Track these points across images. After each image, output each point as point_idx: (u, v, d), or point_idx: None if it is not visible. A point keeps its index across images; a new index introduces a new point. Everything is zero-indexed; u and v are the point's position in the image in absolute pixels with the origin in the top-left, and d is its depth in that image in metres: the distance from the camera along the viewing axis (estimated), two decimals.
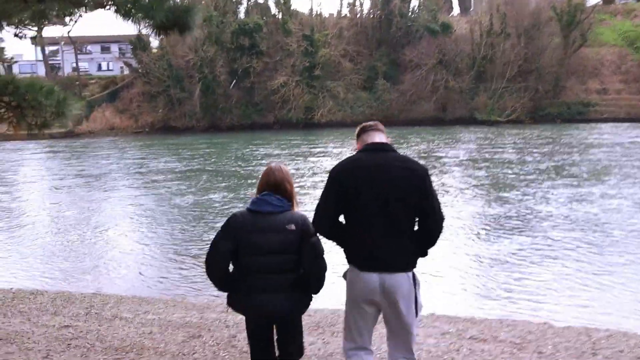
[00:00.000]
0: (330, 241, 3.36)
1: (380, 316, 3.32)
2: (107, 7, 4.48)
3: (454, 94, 51.99)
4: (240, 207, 14.44)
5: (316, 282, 3.40)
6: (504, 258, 9.58)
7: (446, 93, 51.83)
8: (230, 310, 3.54)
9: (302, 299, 3.42)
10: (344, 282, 3.40)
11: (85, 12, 4.72)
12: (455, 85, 51.84)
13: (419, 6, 57.46)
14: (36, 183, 21.85)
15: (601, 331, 5.92)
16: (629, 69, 55.34)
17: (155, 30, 4.61)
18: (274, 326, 3.47)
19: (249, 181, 19.47)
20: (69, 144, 40.63)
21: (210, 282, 3.47)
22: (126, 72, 59.72)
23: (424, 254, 3.23)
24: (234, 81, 53.42)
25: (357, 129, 3.43)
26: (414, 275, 3.17)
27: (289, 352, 3.47)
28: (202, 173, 22.51)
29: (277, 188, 3.38)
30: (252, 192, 3.57)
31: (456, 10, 73.78)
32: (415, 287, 3.14)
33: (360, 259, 3.16)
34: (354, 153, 3.29)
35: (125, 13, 4.34)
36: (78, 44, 60.02)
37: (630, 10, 64.21)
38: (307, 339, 4.35)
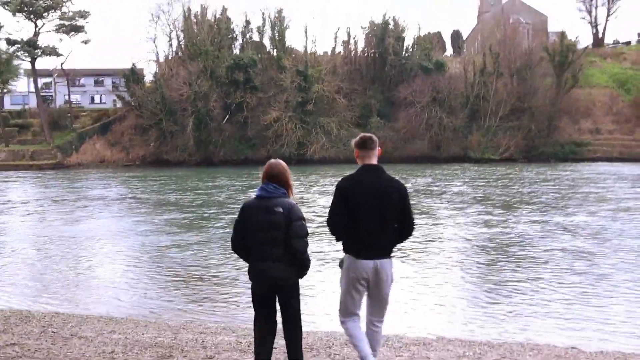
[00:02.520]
0: (336, 236, 4.20)
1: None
2: None
3: (447, 132, 51.76)
4: (142, 230, 14.87)
5: (299, 257, 4.10)
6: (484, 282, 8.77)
7: (440, 131, 51.60)
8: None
9: (294, 269, 4.11)
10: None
11: None
12: (449, 123, 51.68)
13: (412, 45, 57.95)
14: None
15: None
16: (620, 110, 55.76)
17: None
18: (277, 296, 4.15)
19: (165, 207, 20.14)
20: (32, 175, 39.88)
21: (238, 256, 4.36)
22: (119, 105, 59.27)
23: (401, 242, 4.29)
24: (227, 116, 53.02)
25: (358, 138, 4.24)
26: (391, 259, 4.20)
27: (290, 317, 4.13)
28: (129, 200, 23.09)
29: (275, 178, 4.16)
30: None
31: (449, 50, 74.76)
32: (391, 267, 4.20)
33: (359, 250, 4.08)
34: (355, 171, 4.19)
35: None
36: (71, 77, 59.76)
37: (619, 54, 65.36)
38: None
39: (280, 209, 4.02)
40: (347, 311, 4.18)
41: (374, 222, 4.02)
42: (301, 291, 4.28)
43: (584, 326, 6.65)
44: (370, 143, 4.15)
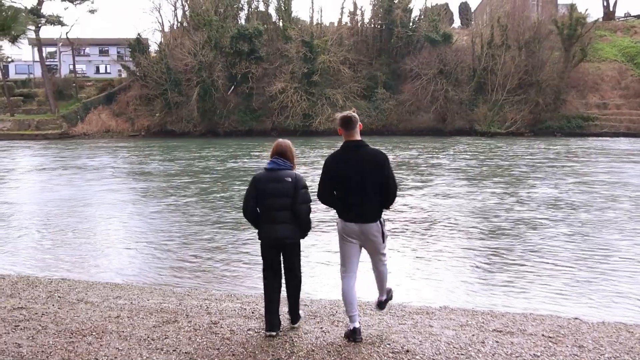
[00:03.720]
0: (327, 206, 4.87)
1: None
2: None
3: (453, 105, 51.26)
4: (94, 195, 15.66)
5: (303, 219, 4.86)
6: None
7: (446, 104, 51.14)
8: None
9: (299, 229, 4.88)
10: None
11: None
12: (455, 96, 51.15)
13: (420, 16, 57.07)
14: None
15: None
16: (628, 84, 54.92)
17: None
18: (282, 253, 4.87)
19: (137, 176, 20.50)
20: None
21: (248, 222, 5.02)
22: (124, 75, 58.91)
23: (386, 208, 4.75)
24: (233, 86, 52.61)
25: (340, 119, 4.73)
26: (380, 221, 4.67)
27: (292, 270, 4.89)
28: (104, 169, 23.20)
29: (282, 154, 4.94)
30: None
31: (457, 22, 73.59)
32: (382, 227, 4.67)
33: (346, 216, 4.68)
34: (339, 148, 4.72)
35: None
36: (76, 46, 59.26)
37: (630, 27, 64.06)
38: (303, 327, 4.87)
39: (289, 179, 4.79)
40: (343, 266, 4.74)
41: (357, 195, 4.57)
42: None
43: (586, 297, 6.68)
44: (350, 124, 4.65)
